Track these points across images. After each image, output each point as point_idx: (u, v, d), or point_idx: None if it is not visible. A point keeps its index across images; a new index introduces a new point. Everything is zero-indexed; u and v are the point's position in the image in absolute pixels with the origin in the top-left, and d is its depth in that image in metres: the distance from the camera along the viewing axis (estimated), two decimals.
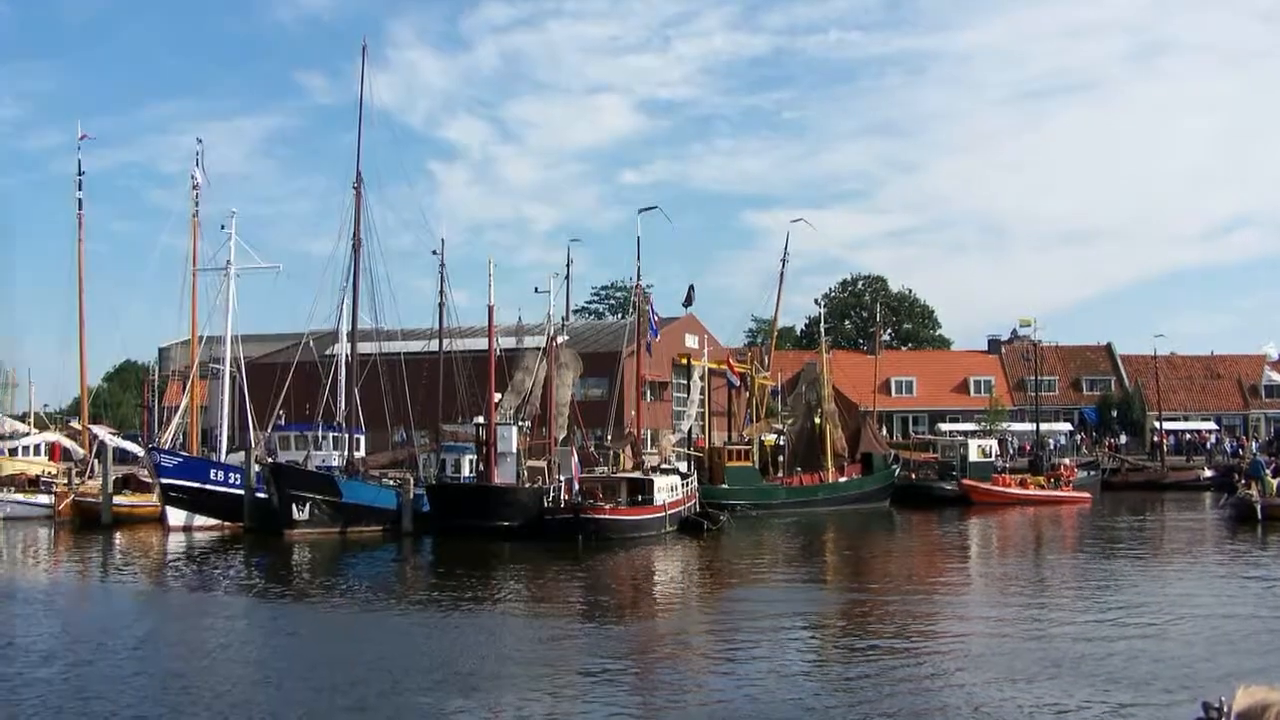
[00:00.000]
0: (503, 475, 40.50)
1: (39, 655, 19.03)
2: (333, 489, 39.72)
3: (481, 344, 45.68)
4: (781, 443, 55.96)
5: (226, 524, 41.07)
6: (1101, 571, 31.07)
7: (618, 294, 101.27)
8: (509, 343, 50.69)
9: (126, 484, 45.97)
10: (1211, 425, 79.23)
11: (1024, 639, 20.22)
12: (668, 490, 40.80)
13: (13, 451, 52.39)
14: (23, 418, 59.43)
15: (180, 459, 42.03)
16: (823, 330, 63.64)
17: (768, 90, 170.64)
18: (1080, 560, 34.29)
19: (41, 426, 58.73)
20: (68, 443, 54.89)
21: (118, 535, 40.40)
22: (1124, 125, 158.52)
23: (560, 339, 47.86)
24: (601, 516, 37.65)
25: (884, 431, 71.64)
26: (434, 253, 49.35)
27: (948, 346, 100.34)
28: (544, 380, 45.08)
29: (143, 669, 17.93)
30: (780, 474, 54.00)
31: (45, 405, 66.83)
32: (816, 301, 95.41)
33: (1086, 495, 56.97)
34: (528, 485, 40.78)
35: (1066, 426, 79.11)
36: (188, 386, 46.83)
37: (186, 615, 24.36)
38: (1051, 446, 71.06)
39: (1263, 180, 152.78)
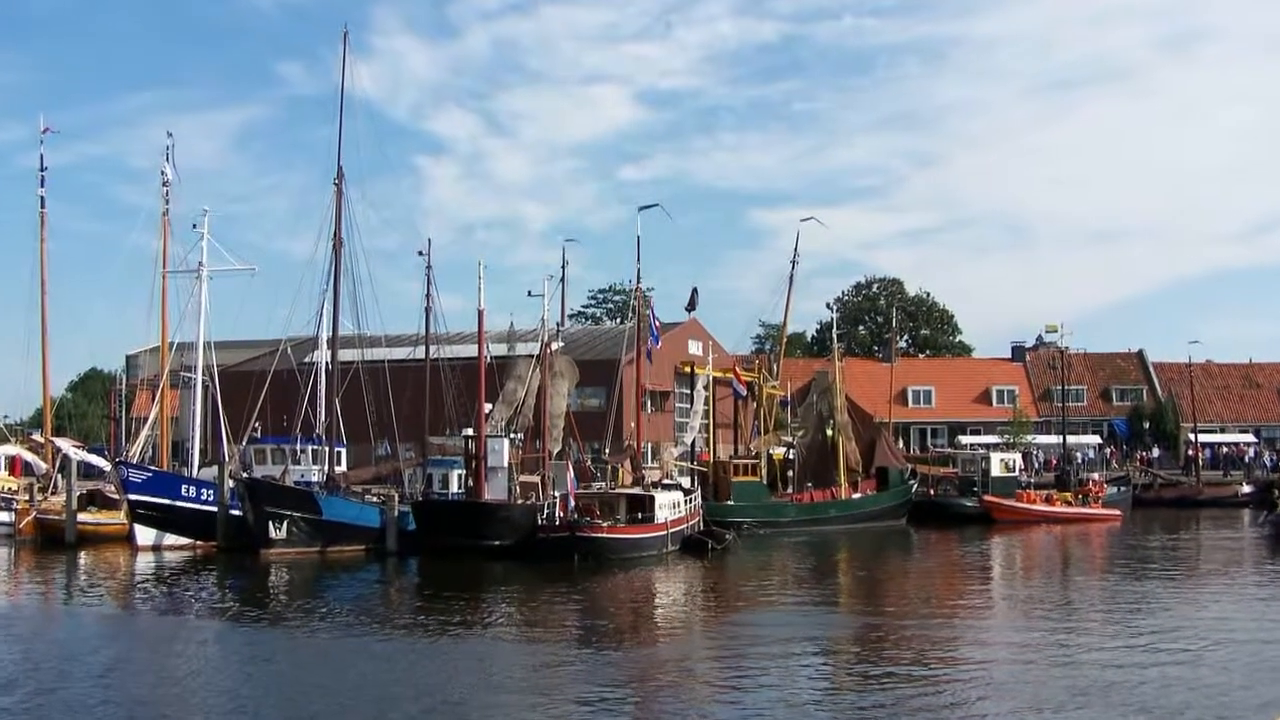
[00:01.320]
0: (493, 491, 40.52)
1: None
2: (312, 506, 39.72)
3: (471, 351, 45.74)
4: (791, 457, 55.98)
5: (198, 543, 41.06)
6: (1132, 594, 31.07)
7: (616, 297, 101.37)
8: (500, 350, 50.72)
9: (92, 500, 45.94)
10: (1250, 438, 79.24)
11: (1050, 666, 20.25)
12: (669, 507, 40.82)
13: None
14: None
15: (149, 474, 42.01)
16: (835, 336, 63.61)
17: (776, 80, 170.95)
18: (1110, 582, 34.30)
19: (1, 439, 58.73)
20: (29, 456, 54.82)
21: (83, 555, 40.38)
22: (1157, 117, 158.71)
23: (555, 346, 47.89)
24: (599, 535, 37.68)
25: (900, 445, 71.58)
26: (420, 253, 49.36)
27: (968, 354, 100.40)
28: (537, 390, 45.10)
29: (109, 697, 17.94)
30: (790, 490, 54.01)
31: (5, 416, 67.01)
32: (828, 306, 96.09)
33: (1117, 513, 57.01)
34: (520, 502, 40.80)
35: (1095, 439, 79.14)
36: (157, 396, 46.80)
37: (156, 640, 24.38)
38: (1079, 461, 70.93)
39: None
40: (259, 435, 45.35)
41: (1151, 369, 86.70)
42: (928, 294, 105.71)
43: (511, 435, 43.48)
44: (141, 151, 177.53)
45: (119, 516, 43.15)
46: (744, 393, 57.65)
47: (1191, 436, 73.43)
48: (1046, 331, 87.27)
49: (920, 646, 22.64)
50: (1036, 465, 71.20)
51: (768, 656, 21.35)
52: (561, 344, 52.08)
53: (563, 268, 56.75)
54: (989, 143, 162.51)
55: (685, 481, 48.19)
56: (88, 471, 51.00)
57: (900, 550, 46.21)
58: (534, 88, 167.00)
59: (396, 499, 41.64)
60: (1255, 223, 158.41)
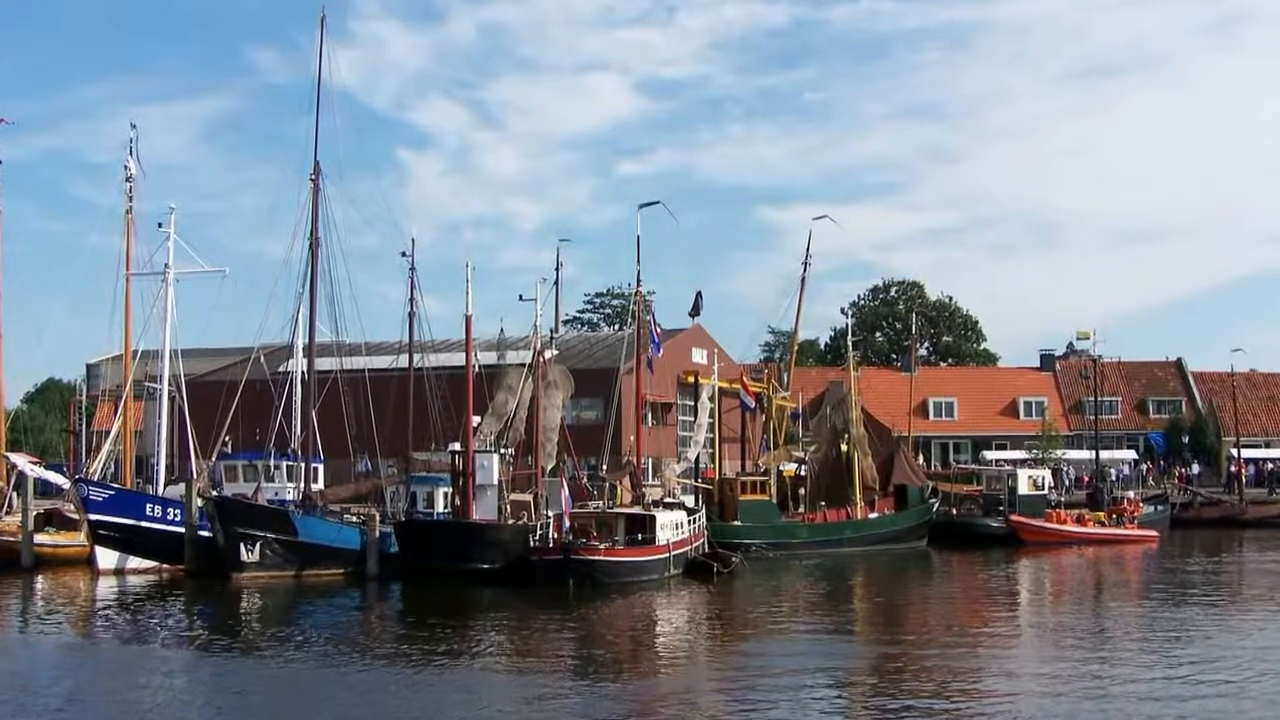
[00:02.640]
0: (482, 510, 40.54)
1: None
2: (287, 526, 39.74)
3: (458, 359, 45.77)
4: (803, 473, 55.98)
5: (164, 566, 41.09)
6: (1171, 621, 31.14)
7: (615, 302, 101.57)
8: (489, 358, 50.74)
9: (50, 521, 45.98)
10: None
11: (1081, 698, 20.29)
12: (672, 528, 40.84)
13: None
14: None
15: (111, 492, 42.01)
16: (850, 344, 63.76)
17: (787, 68, 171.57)
18: (1146, 608, 34.36)
19: None
20: None
21: (40, 579, 40.46)
22: (1198, 107, 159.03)
23: (548, 354, 47.97)
24: (595, 558, 37.68)
25: (920, 460, 71.67)
26: (403, 254, 49.44)
27: (994, 363, 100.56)
28: (530, 401, 45.15)
29: None
30: (801, 509, 54.01)
31: None
32: (843, 311, 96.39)
33: (1153, 534, 57.05)
34: (511, 522, 40.81)
35: (1131, 455, 79.25)
36: (120, 408, 46.86)
37: (119, 670, 24.40)
38: (1113, 478, 71.09)
39: None
40: (229, 450, 45.31)
41: (1191, 379, 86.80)
42: (950, 298, 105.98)
43: (502, 450, 43.49)
44: (102, 145, 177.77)
45: (79, 538, 43.15)
46: (752, 404, 57.68)
47: (1234, 451, 73.52)
48: (1078, 339, 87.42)
49: (942, 678, 22.69)
50: (1067, 483, 71.21)
51: (777, 689, 21.39)
52: (555, 352, 52.20)
53: (557, 270, 56.84)
54: (1015, 136, 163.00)
55: (689, 500, 48.22)
56: (45, 489, 51.04)
57: (920, 574, 46.25)
58: (525, 76, 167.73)
59: (378, 519, 41.66)
60: None
